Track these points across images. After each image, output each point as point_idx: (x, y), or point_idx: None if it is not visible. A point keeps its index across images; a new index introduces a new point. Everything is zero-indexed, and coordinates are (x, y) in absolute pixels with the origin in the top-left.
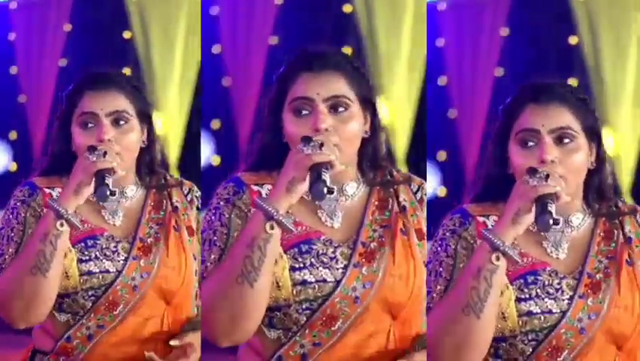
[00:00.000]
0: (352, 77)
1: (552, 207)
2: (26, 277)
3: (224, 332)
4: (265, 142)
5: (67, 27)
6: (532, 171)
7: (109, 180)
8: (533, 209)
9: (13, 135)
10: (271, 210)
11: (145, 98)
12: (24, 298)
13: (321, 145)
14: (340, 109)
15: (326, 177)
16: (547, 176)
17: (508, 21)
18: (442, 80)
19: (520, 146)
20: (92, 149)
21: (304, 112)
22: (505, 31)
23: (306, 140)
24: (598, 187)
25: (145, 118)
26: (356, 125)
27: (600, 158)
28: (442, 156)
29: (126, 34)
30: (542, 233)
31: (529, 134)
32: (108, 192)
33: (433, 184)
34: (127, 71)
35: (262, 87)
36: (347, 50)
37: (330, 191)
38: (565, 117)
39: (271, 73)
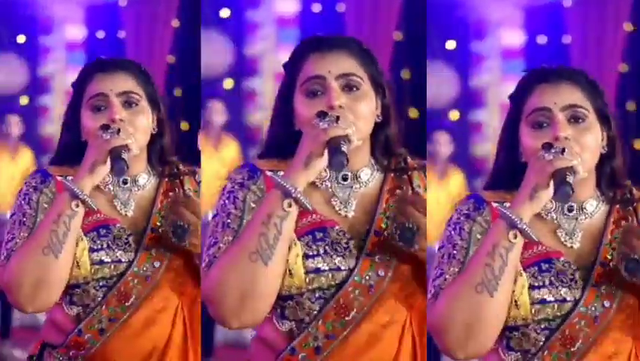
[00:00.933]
0: (362, 57)
1: (570, 179)
2: (37, 257)
3: (233, 311)
4: (277, 130)
5: (175, 23)
6: (547, 146)
7: (125, 155)
8: (551, 185)
9: None
10: (289, 188)
11: (154, 84)
12: (34, 279)
13: (337, 119)
14: (353, 88)
15: (345, 148)
16: (564, 150)
17: (631, 16)
18: None
19: (531, 127)
20: (105, 127)
21: (318, 92)
22: (628, 27)
23: (322, 114)
24: (610, 173)
25: (155, 105)
26: (369, 105)
27: (611, 143)
28: None
29: None
30: (558, 221)
31: (541, 114)
32: (126, 167)
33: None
34: None
35: None
36: None
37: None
38: (576, 95)
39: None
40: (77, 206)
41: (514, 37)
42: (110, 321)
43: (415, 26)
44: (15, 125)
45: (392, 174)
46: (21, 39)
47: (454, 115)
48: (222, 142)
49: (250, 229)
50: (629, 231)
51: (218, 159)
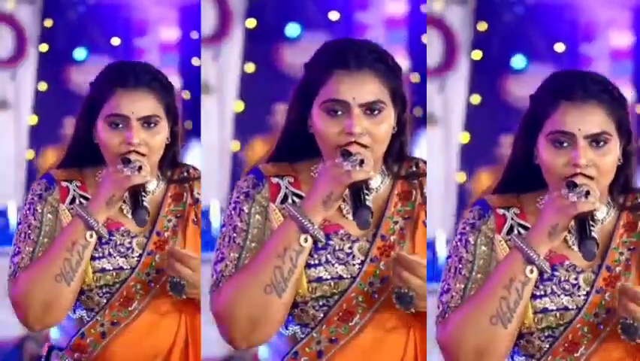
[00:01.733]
0: (386, 75)
1: (594, 231)
2: (49, 283)
3: (242, 335)
4: (289, 132)
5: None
6: (571, 185)
7: (146, 202)
8: (571, 223)
9: None
10: (307, 225)
11: (174, 94)
12: (44, 303)
13: (362, 162)
14: (375, 112)
15: (369, 201)
16: (588, 193)
17: None
18: None
19: (552, 144)
20: (126, 161)
21: (338, 112)
22: None
23: (346, 154)
24: (624, 182)
25: (171, 116)
26: (388, 126)
27: (627, 153)
28: None
29: None
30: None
31: (564, 136)
32: (147, 216)
33: None
34: None
35: None
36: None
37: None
38: (601, 120)
39: None
40: (91, 237)
41: (622, 38)
42: (112, 325)
43: None
44: None
45: (402, 180)
46: (115, 41)
47: None
48: None
49: (265, 260)
50: (624, 293)
51: None
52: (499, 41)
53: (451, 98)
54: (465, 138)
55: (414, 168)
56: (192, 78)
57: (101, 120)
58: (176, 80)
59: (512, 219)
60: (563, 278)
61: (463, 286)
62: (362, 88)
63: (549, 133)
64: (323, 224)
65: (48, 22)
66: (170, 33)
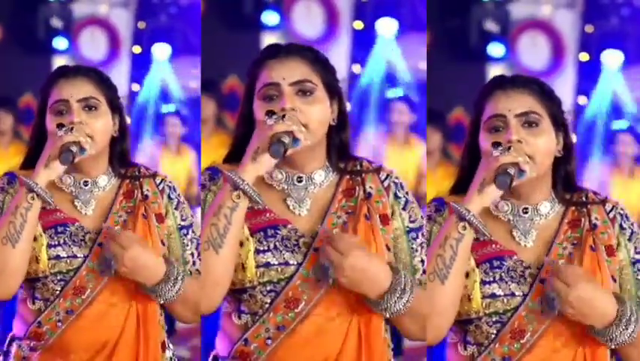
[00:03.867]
0: (316, 64)
1: (512, 170)
2: None
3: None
4: (240, 133)
5: None
6: (496, 145)
7: (73, 148)
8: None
9: None
10: (237, 180)
11: (115, 89)
12: None
13: (283, 117)
14: (307, 93)
15: (285, 139)
16: (510, 147)
17: None
18: None
19: (488, 132)
20: (60, 125)
21: (273, 97)
22: None
23: (270, 113)
24: (565, 176)
25: (116, 109)
26: (322, 109)
27: (567, 147)
28: None
29: None
30: (514, 222)
31: (497, 120)
32: (71, 157)
33: None
34: None
35: None
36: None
37: (286, 150)
38: (529, 102)
39: None
40: (33, 199)
41: None
42: (66, 313)
43: None
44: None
45: (347, 176)
46: None
47: None
48: None
49: (204, 221)
50: (552, 269)
51: None
52: (606, 43)
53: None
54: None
55: (358, 167)
56: None
57: (48, 113)
58: None
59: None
60: (510, 268)
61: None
62: (291, 70)
63: (485, 122)
64: (272, 216)
65: (141, 25)
66: None
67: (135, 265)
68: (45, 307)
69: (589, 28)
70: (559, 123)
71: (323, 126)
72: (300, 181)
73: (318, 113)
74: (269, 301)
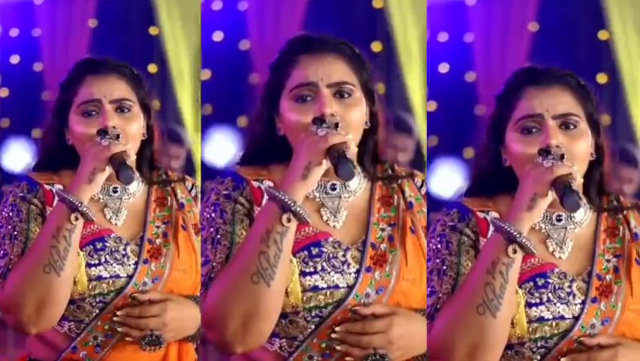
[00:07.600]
0: (354, 62)
1: (574, 185)
2: (38, 276)
3: (237, 336)
4: (259, 135)
5: (93, 23)
6: (544, 153)
7: (127, 161)
8: (550, 193)
9: (36, 133)
10: (288, 201)
11: (146, 88)
12: (36, 300)
13: (336, 125)
14: (345, 95)
15: (350, 155)
16: (563, 156)
17: (537, 16)
18: (469, 77)
19: (520, 133)
20: (102, 133)
21: (307, 98)
22: (534, 27)
23: (319, 121)
24: (599, 180)
25: (146, 110)
26: (360, 113)
27: (600, 149)
28: (468, 153)
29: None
30: (546, 231)
31: (531, 120)
32: (133, 174)
33: (458, 182)
34: (153, 68)
35: None
36: (377, 46)
37: (355, 167)
38: (568, 101)
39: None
40: (77, 219)
41: None
42: (106, 337)
43: None
44: None
45: (380, 182)
46: None
47: None
48: None
49: (249, 248)
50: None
51: None
52: None
53: None
54: None
55: (390, 171)
56: None
57: (73, 115)
58: None
59: (506, 215)
60: (557, 286)
61: (450, 287)
62: (329, 69)
63: (517, 122)
64: (312, 231)
65: None
66: None
67: (180, 326)
68: (77, 329)
69: None
70: (594, 123)
71: (360, 131)
72: (334, 189)
73: (357, 118)
74: (313, 327)
